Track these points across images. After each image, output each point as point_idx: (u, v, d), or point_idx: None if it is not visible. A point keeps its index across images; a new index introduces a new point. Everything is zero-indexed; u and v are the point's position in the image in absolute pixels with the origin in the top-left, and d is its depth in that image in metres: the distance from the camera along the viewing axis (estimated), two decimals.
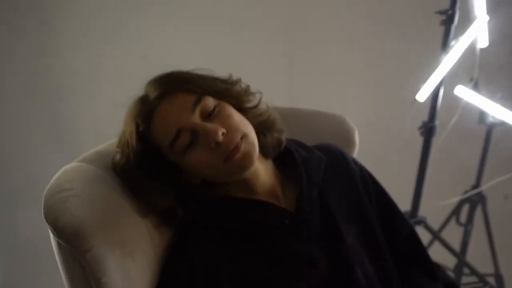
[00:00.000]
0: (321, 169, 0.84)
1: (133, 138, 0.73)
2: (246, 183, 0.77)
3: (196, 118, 0.71)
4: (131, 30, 1.84)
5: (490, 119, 1.69)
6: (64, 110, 1.80)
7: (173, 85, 0.74)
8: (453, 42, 1.36)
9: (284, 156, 0.84)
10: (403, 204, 1.75)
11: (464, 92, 1.59)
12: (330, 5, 1.89)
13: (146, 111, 0.74)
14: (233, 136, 0.71)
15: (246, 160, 0.71)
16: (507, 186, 2.47)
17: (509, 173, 1.69)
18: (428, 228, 1.63)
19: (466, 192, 1.80)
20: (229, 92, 0.77)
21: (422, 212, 1.78)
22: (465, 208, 1.86)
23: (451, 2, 1.33)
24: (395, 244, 0.86)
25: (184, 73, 0.77)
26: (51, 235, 0.70)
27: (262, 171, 0.79)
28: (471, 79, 1.64)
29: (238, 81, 0.80)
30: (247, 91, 0.80)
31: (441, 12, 1.34)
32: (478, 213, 1.86)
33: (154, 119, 0.73)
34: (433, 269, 0.89)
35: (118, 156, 0.76)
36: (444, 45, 1.37)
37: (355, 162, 0.93)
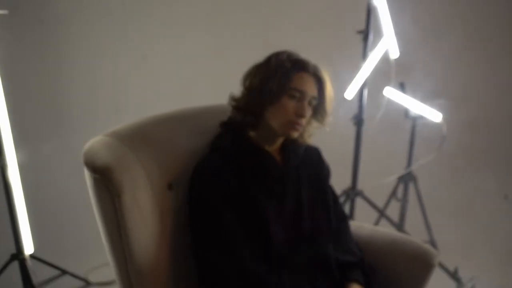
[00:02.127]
0: (300, 153, 1.31)
1: (286, 64, 1.18)
2: (272, 139, 1.24)
3: (308, 97, 1.19)
4: (132, 32, 2.21)
5: (413, 114, 2.15)
6: (67, 103, 2.18)
7: (322, 80, 1.22)
8: (370, 54, 1.84)
9: (289, 141, 1.30)
10: (345, 180, 2.21)
11: (390, 92, 2.06)
12: (292, 29, 2.41)
13: (307, 67, 1.20)
14: (304, 123, 1.19)
15: (292, 134, 1.19)
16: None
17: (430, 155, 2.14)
18: (365, 198, 2.08)
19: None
20: (324, 114, 1.26)
21: (366, 191, 2.24)
22: (401, 187, 2.31)
23: (366, 25, 1.81)
24: (336, 213, 1.35)
25: (327, 80, 1.25)
26: (87, 175, 1.14)
27: (280, 140, 1.26)
28: (400, 83, 2.12)
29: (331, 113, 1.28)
30: (323, 123, 1.28)
31: (360, 32, 1.83)
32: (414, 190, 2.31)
33: (304, 73, 1.19)
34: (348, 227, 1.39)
35: (263, 67, 1.21)
36: (364, 55, 1.85)
37: (324, 161, 1.41)
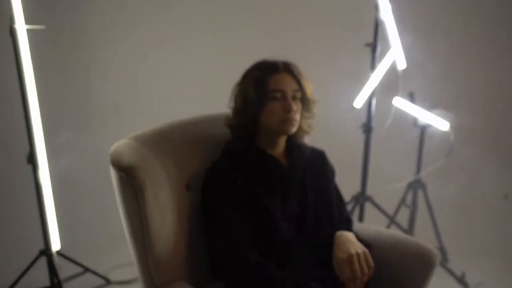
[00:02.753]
0: (305, 156, 1.40)
1: (259, 77, 1.28)
2: (274, 141, 1.33)
3: (290, 93, 1.28)
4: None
5: (421, 123, 2.22)
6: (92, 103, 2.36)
7: (295, 72, 1.30)
8: (378, 65, 1.93)
9: (293, 143, 1.40)
10: (355, 186, 2.29)
11: (399, 102, 2.14)
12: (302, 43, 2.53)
13: (277, 67, 1.29)
14: (296, 116, 1.28)
15: (289, 129, 1.29)
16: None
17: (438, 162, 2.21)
18: (374, 203, 2.15)
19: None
20: (308, 106, 1.34)
21: (377, 197, 2.31)
22: (411, 194, 2.37)
23: (374, 38, 1.91)
24: (340, 213, 1.43)
25: (301, 72, 1.33)
26: (113, 174, 1.26)
27: (283, 141, 1.36)
28: (409, 93, 2.20)
29: (316, 101, 1.37)
30: (312, 114, 1.38)
31: (368, 44, 1.93)
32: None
33: (277, 74, 1.28)
34: (351, 224, 1.45)
35: (242, 84, 1.32)
36: (372, 66, 1.94)
37: (328, 162, 1.48)
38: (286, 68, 1.30)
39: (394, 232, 1.55)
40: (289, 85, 1.29)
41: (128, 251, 1.55)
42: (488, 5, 2.97)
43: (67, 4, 2.55)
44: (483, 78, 3.09)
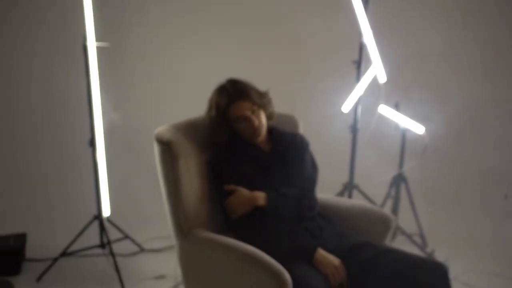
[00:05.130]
0: (284, 142, 1.83)
1: (219, 108, 1.67)
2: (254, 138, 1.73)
3: (249, 112, 1.64)
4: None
5: (401, 127, 2.67)
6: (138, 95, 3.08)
7: (245, 94, 1.64)
8: (362, 78, 2.43)
9: (273, 131, 1.84)
10: (343, 176, 2.76)
11: (383, 109, 2.61)
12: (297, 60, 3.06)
13: (228, 100, 1.64)
14: (260, 125, 1.67)
15: (260, 136, 1.70)
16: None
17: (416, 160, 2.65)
18: (360, 191, 2.61)
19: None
20: (265, 105, 1.71)
21: (367, 191, 2.75)
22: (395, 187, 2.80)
23: (359, 56, 2.41)
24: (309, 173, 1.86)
25: (251, 86, 1.68)
26: (156, 147, 1.78)
27: (262, 135, 1.72)
28: (395, 103, 2.66)
29: (269, 97, 1.74)
30: (270, 104, 1.75)
31: (354, 62, 2.43)
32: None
33: (232, 106, 1.64)
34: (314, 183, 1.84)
35: (209, 112, 1.74)
36: (358, 79, 2.44)
37: (303, 141, 1.91)
38: (238, 96, 1.63)
39: (365, 203, 2.01)
40: (245, 108, 1.63)
41: (160, 226, 2.02)
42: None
43: (127, 27, 3.19)
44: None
